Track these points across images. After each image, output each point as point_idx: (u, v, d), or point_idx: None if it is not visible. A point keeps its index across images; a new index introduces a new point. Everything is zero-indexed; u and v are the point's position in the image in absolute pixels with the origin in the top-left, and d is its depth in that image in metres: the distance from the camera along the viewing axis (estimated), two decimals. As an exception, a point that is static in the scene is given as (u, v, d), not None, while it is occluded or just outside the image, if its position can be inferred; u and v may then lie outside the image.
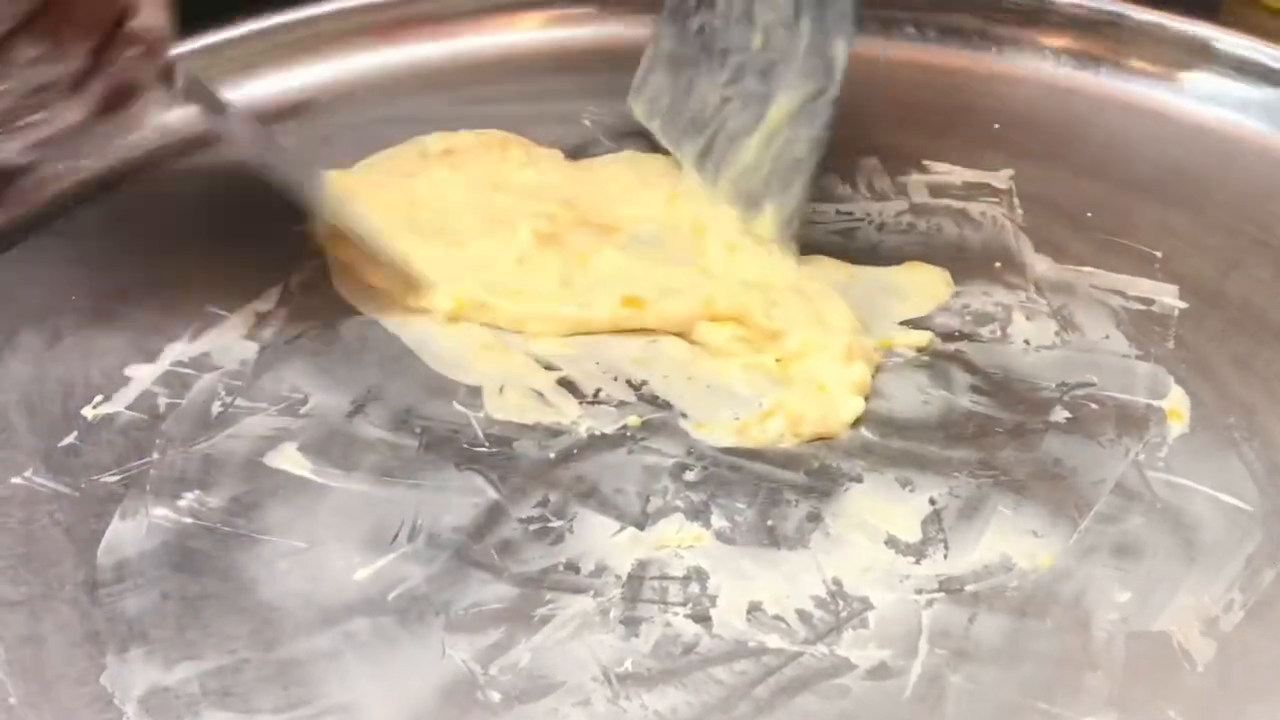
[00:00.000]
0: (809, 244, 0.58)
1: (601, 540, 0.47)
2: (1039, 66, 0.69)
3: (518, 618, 0.44)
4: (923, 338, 0.54)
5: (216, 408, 0.51)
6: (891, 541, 0.47)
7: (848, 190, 0.62)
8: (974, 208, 0.61)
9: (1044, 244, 0.59)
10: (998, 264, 0.58)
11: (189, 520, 0.47)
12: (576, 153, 0.63)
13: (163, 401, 0.51)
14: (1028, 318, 0.55)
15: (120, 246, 0.58)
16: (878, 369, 0.53)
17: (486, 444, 0.50)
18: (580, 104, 0.66)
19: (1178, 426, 0.51)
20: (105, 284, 0.56)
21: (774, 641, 0.43)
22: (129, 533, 0.47)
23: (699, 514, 0.48)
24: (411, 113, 0.66)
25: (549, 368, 0.53)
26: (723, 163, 0.58)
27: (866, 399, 0.52)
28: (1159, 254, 0.58)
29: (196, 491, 0.48)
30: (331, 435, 0.50)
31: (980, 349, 0.54)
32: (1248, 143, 0.64)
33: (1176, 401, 0.51)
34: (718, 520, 0.47)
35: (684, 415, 0.51)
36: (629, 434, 0.51)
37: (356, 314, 0.55)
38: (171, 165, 0.62)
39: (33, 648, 0.43)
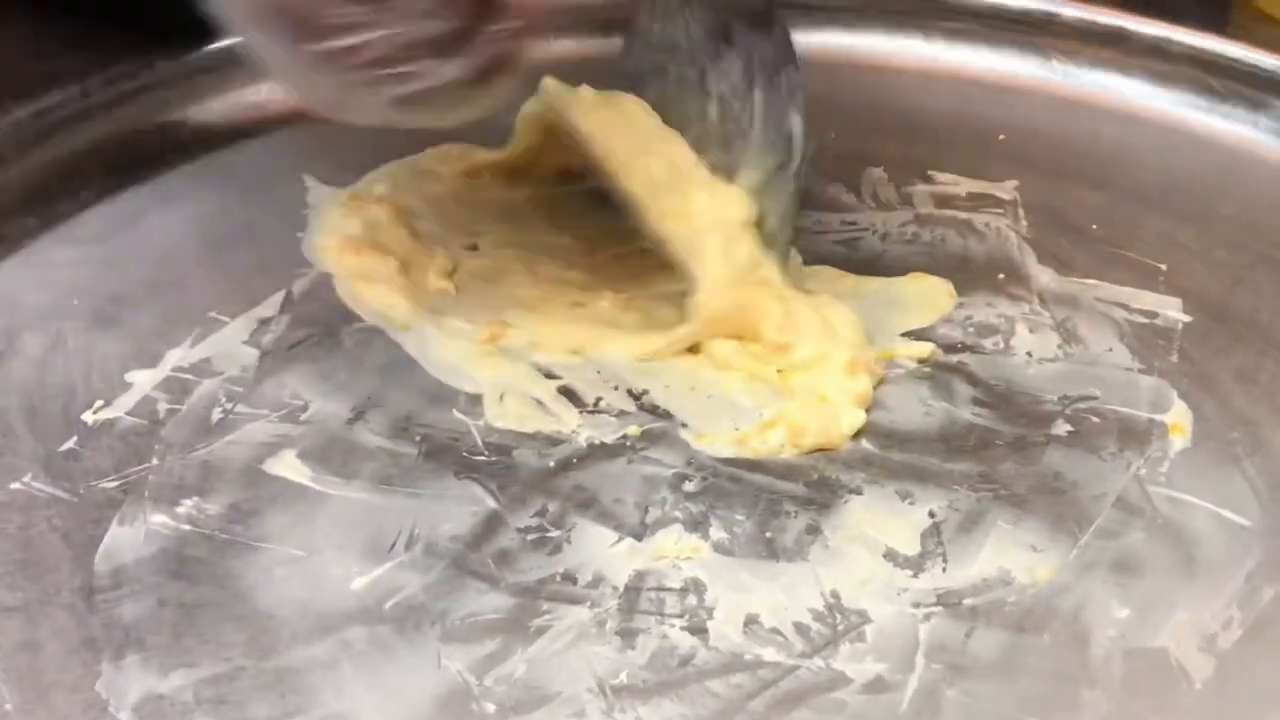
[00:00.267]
0: (812, 253, 0.58)
1: (599, 551, 0.46)
2: (1045, 77, 0.68)
3: (514, 628, 0.44)
4: (925, 349, 0.54)
5: (217, 414, 0.51)
6: (890, 554, 0.46)
7: (852, 200, 0.62)
8: (978, 218, 0.61)
9: (1048, 256, 0.59)
10: (1001, 275, 0.58)
11: (187, 527, 0.47)
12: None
13: (163, 407, 0.51)
14: (1031, 330, 0.55)
15: (122, 251, 0.58)
16: (880, 381, 0.53)
17: (486, 452, 0.50)
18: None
19: (1180, 441, 0.50)
20: (107, 289, 0.56)
21: (770, 654, 0.43)
22: (127, 539, 0.47)
23: (698, 525, 0.47)
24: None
25: (550, 376, 0.53)
26: None
27: (868, 411, 0.51)
28: (1163, 267, 0.58)
29: (195, 498, 0.48)
30: (331, 442, 0.50)
31: (982, 361, 0.54)
32: (1255, 156, 0.64)
33: (1179, 416, 0.51)
34: (716, 531, 0.47)
35: (684, 425, 0.51)
36: (629, 443, 0.50)
37: (358, 321, 0.55)
38: (175, 169, 0.62)
39: (29, 654, 0.43)
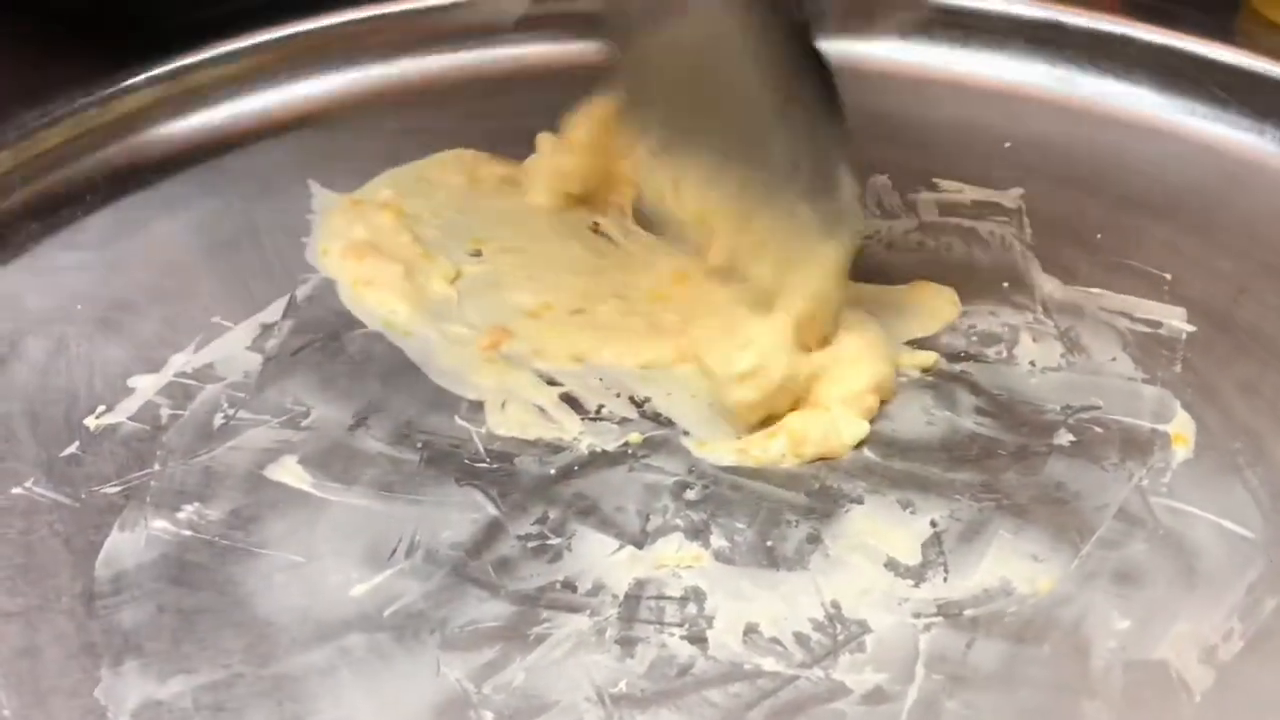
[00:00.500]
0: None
1: (600, 559, 0.46)
2: (1051, 85, 0.68)
3: (513, 636, 0.44)
4: (928, 358, 0.54)
5: (219, 419, 0.51)
6: (891, 564, 0.46)
7: (857, 207, 0.62)
8: (983, 227, 0.61)
9: (1052, 265, 0.58)
10: (1006, 284, 0.58)
11: (188, 533, 0.47)
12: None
13: (165, 412, 0.51)
14: (1034, 339, 0.55)
15: (126, 256, 0.58)
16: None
17: (487, 459, 0.50)
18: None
19: (1182, 451, 0.50)
20: (110, 294, 0.56)
21: (770, 664, 0.43)
22: (128, 544, 0.47)
23: (698, 533, 0.47)
24: (424, 125, 0.66)
25: (551, 383, 0.53)
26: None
27: (871, 421, 0.51)
28: (1168, 276, 0.57)
29: (196, 504, 0.48)
30: (333, 448, 0.50)
31: (986, 370, 0.54)
32: (1260, 165, 0.63)
33: (1182, 426, 0.51)
34: (717, 540, 0.47)
35: (686, 433, 0.51)
36: (630, 451, 0.50)
37: (360, 326, 0.55)
38: (178, 174, 0.62)
39: (28, 659, 0.43)
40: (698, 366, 0.52)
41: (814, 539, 0.47)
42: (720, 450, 0.50)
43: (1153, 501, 0.48)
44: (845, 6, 0.69)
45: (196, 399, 0.52)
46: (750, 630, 0.44)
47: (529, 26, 0.70)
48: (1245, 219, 0.60)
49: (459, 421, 0.51)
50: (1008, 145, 0.65)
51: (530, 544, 0.47)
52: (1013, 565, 0.46)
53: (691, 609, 0.45)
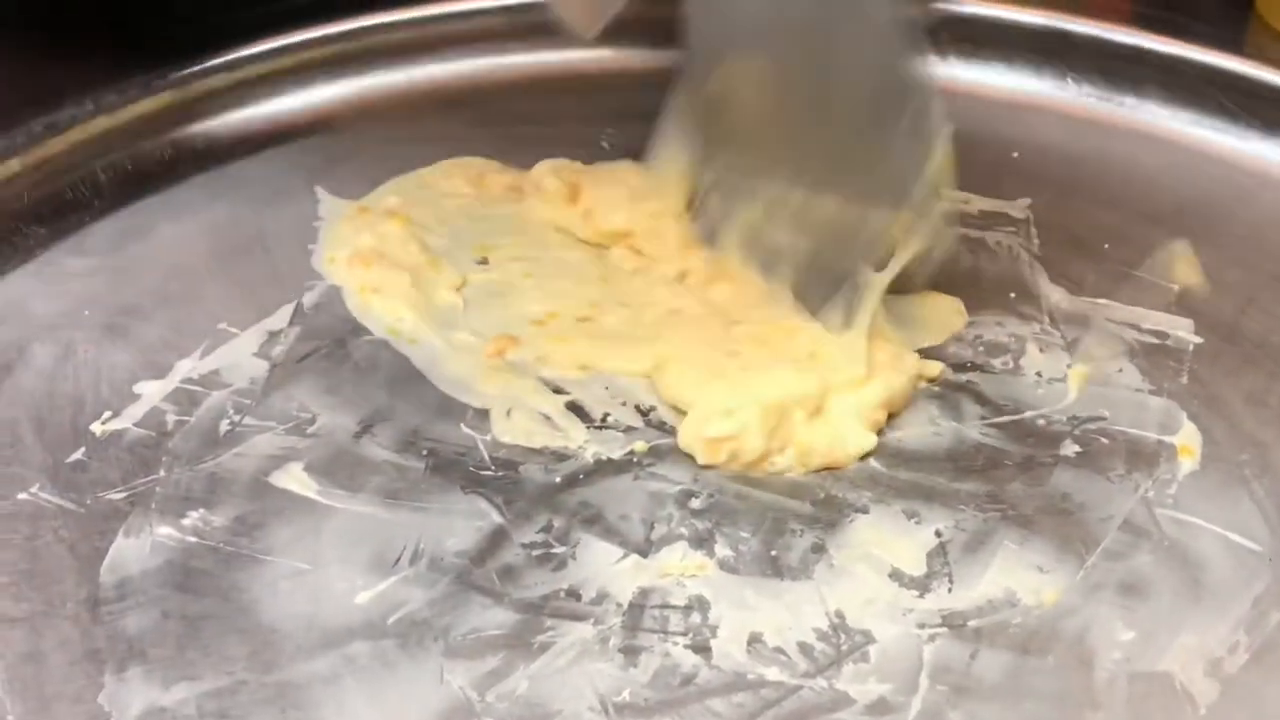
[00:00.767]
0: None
1: (604, 567, 0.46)
2: (1060, 96, 0.68)
3: (517, 644, 0.44)
4: (934, 368, 0.54)
5: (224, 426, 0.51)
6: (896, 574, 0.46)
7: (863, 217, 0.62)
8: (990, 237, 0.61)
9: (1059, 275, 0.58)
10: (1012, 294, 0.58)
11: (193, 539, 0.47)
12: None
13: (171, 419, 0.51)
14: (1041, 349, 0.55)
15: (133, 262, 0.58)
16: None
17: (493, 467, 0.50)
18: (599, 126, 0.66)
19: (1189, 463, 0.50)
20: (117, 300, 0.56)
21: (773, 674, 0.43)
22: (132, 550, 0.47)
23: (703, 542, 0.47)
24: (431, 132, 0.66)
25: (557, 391, 0.53)
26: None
27: (879, 434, 0.51)
28: (1175, 287, 0.57)
29: (201, 510, 0.48)
30: (338, 455, 0.50)
31: (992, 380, 0.54)
32: (1269, 176, 0.63)
33: (1188, 437, 0.51)
34: (722, 549, 0.47)
35: (692, 442, 0.51)
36: (635, 460, 0.50)
37: (367, 333, 0.55)
38: (185, 181, 0.62)
39: (33, 665, 0.43)
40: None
41: (819, 549, 0.47)
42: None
43: (1158, 513, 0.48)
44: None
45: (202, 405, 0.52)
46: (754, 640, 0.44)
47: (534, 34, 0.70)
48: (1253, 230, 0.60)
49: (464, 429, 0.51)
50: (1015, 155, 0.65)
51: (535, 552, 0.47)
52: (1017, 576, 0.46)
53: (695, 618, 0.45)
